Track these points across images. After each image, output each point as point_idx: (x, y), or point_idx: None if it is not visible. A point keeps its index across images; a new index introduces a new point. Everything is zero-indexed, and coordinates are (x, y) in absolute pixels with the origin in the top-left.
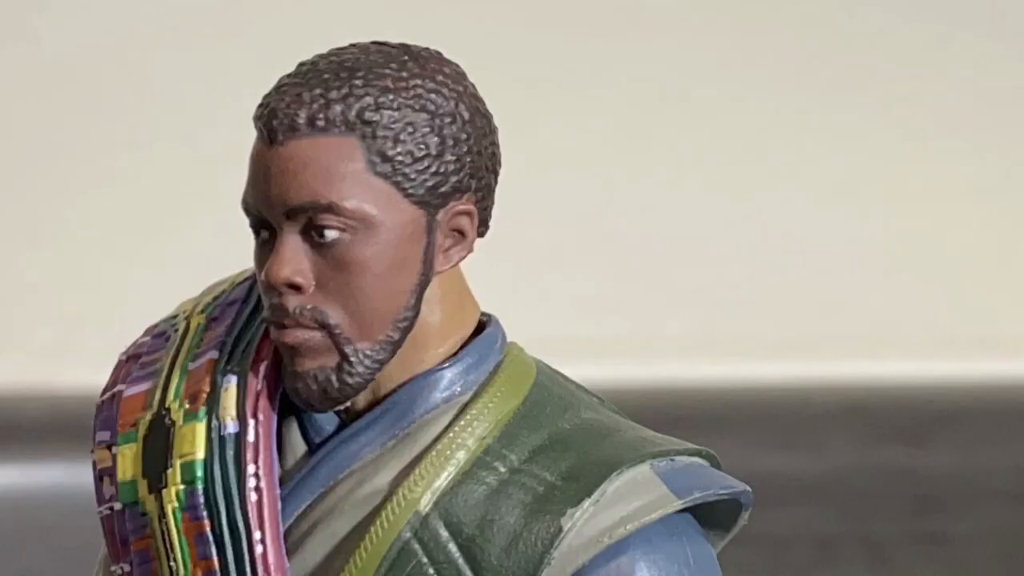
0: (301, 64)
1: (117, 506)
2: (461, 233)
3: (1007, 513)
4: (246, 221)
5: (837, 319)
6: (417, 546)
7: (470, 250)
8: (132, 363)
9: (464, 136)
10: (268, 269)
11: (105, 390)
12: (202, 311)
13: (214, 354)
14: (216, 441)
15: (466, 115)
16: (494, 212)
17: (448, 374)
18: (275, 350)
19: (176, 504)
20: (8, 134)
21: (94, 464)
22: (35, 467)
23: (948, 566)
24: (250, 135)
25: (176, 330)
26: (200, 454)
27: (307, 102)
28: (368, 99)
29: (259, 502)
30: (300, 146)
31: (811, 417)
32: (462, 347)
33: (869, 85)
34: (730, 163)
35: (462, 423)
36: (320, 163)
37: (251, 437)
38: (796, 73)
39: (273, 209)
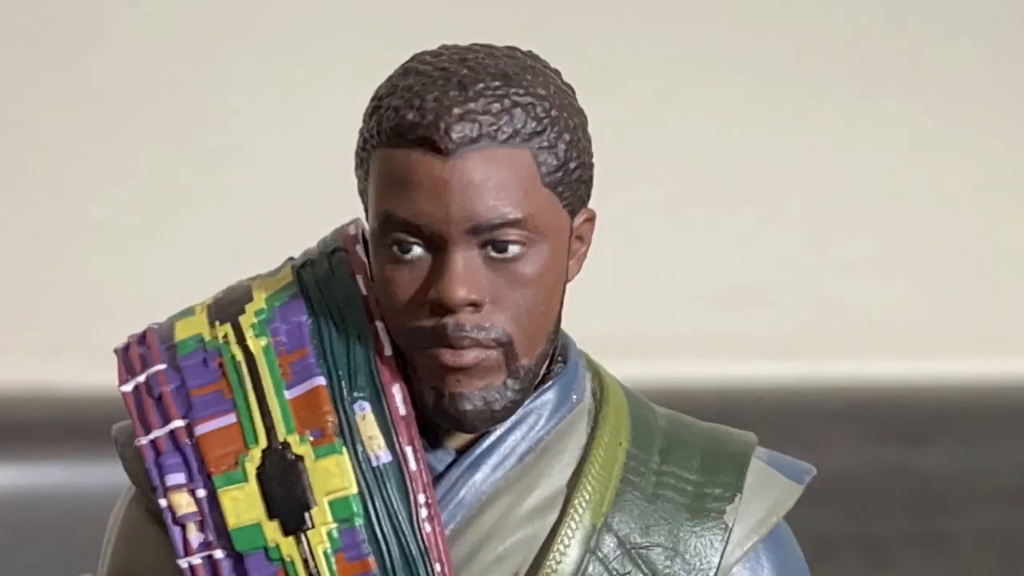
0: (420, 66)
1: (219, 554)
2: (581, 240)
3: (1007, 513)
4: (245, 221)
5: (837, 319)
6: (598, 561)
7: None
8: (173, 395)
9: (589, 141)
10: (443, 288)
11: (143, 427)
12: (257, 334)
13: (319, 380)
14: (369, 473)
15: (585, 120)
16: None
17: (567, 382)
18: (403, 372)
19: (328, 545)
20: (8, 134)
21: (165, 511)
22: (34, 467)
23: (948, 566)
24: (250, 135)
25: (225, 355)
26: (352, 488)
27: (479, 112)
28: (534, 109)
29: (432, 533)
30: (480, 158)
31: (810, 417)
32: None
33: (866, 84)
34: (730, 163)
35: (605, 434)
36: (502, 176)
37: (412, 466)
38: (795, 72)
39: (454, 225)
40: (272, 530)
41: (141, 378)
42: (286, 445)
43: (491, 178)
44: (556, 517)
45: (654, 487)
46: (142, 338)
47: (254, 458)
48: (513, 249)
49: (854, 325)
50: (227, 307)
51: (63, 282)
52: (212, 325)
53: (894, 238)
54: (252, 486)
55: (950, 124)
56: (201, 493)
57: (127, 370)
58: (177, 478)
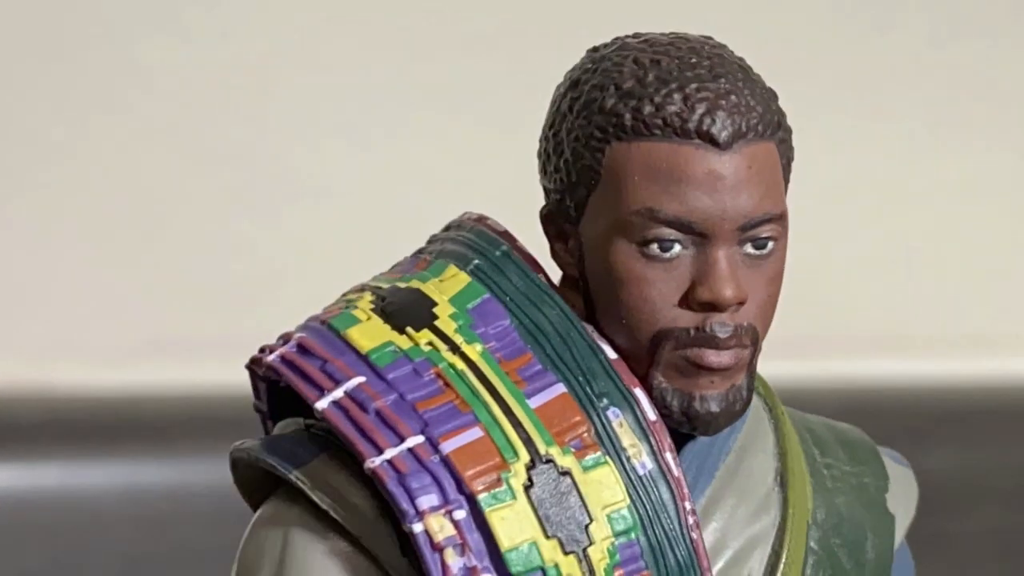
0: (650, 56)
1: None
2: None
3: (1007, 513)
4: (244, 221)
5: (838, 319)
6: (815, 558)
7: None
8: (395, 409)
9: None
10: (715, 287)
11: (371, 447)
12: (468, 341)
13: (559, 388)
14: (638, 483)
15: None
16: (492, 211)
17: None
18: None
19: (608, 560)
20: (6, 133)
21: (420, 536)
22: (32, 468)
23: (948, 566)
24: (249, 135)
25: (439, 364)
26: (626, 500)
27: (742, 105)
28: (774, 101)
29: (698, 540)
30: (748, 152)
31: None
32: None
33: (869, 83)
34: None
35: (788, 428)
36: (764, 170)
37: (676, 472)
38: (794, 72)
39: (727, 221)
40: (549, 549)
41: (338, 393)
42: (550, 458)
43: (758, 173)
44: (775, 517)
45: (829, 480)
46: (302, 349)
47: (518, 474)
48: (769, 245)
49: (855, 326)
50: (407, 312)
51: (62, 282)
52: (402, 332)
53: (894, 238)
54: (522, 504)
55: (950, 124)
56: (460, 515)
57: (311, 385)
58: (430, 500)
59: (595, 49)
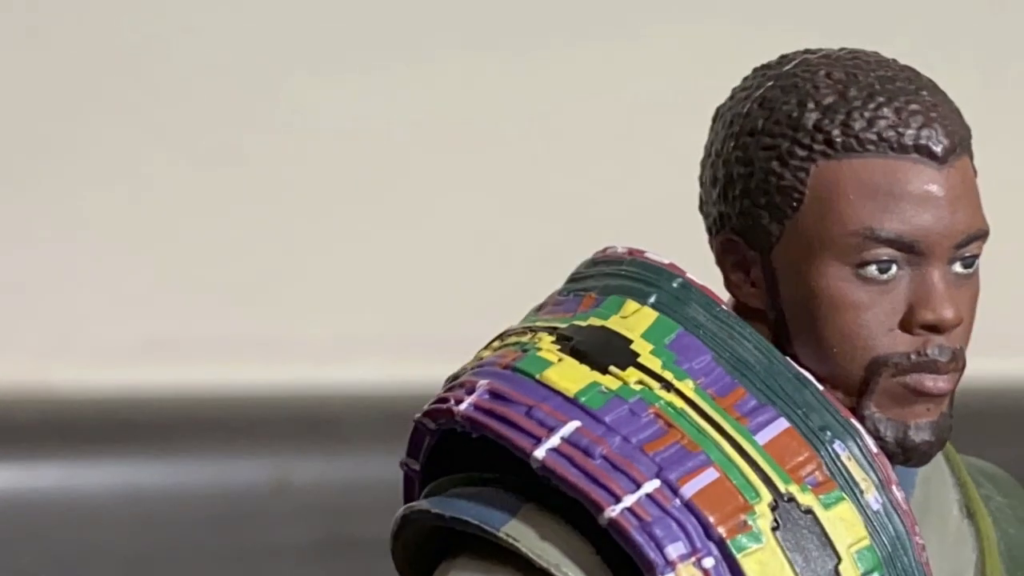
0: (845, 71)
1: None
2: None
3: None
4: (245, 221)
5: None
6: None
7: None
8: (622, 453)
9: None
10: (937, 308)
11: (607, 495)
12: (680, 377)
13: (783, 423)
14: (872, 518)
15: None
16: (492, 211)
17: None
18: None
19: None
20: (5, 132)
21: None
22: (32, 468)
23: None
24: (249, 135)
25: (655, 404)
26: (867, 537)
27: (948, 120)
28: (962, 116)
29: (930, 574)
30: (959, 167)
31: None
32: None
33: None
34: None
35: (959, 461)
36: (971, 185)
37: (904, 505)
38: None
39: (946, 238)
40: None
41: (555, 440)
42: (791, 496)
43: (970, 187)
44: (973, 549)
45: (995, 511)
46: (497, 396)
47: (763, 515)
48: (975, 264)
49: None
50: (604, 351)
51: (61, 282)
52: (604, 372)
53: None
54: (771, 546)
55: None
56: (709, 562)
57: (522, 434)
58: (678, 548)
59: (766, 67)
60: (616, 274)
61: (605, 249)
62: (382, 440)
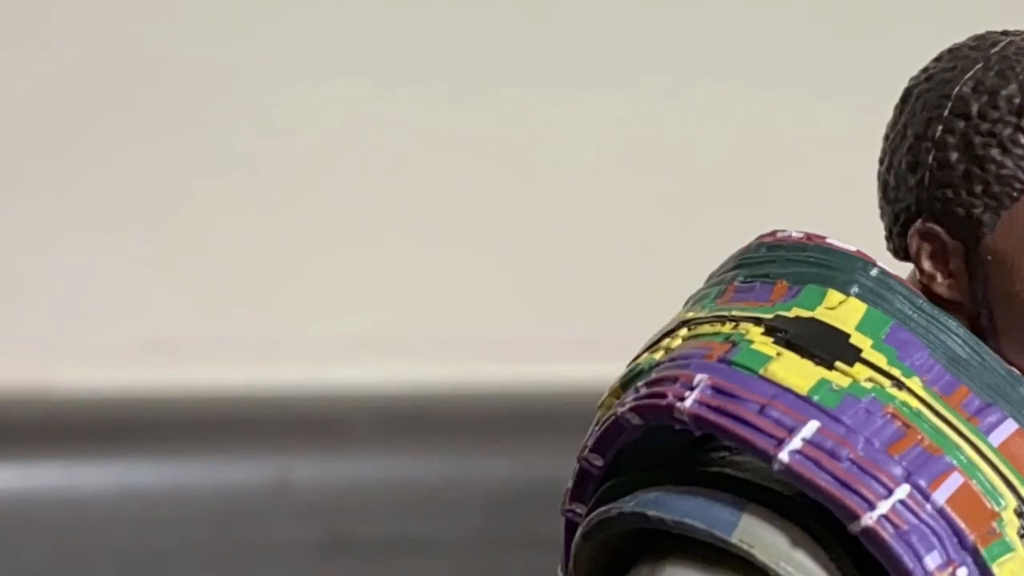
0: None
1: None
2: None
3: None
4: (245, 221)
5: None
6: None
7: None
8: (866, 455)
9: None
10: None
11: (862, 502)
12: (907, 375)
13: (1012, 424)
14: None
15: None
16: (491, 211)
17: None
18: None
19: None
20: (6, 132)
21: None
22: (32, 468)
23: None
24: (250, 136)
25: (890, 403)
26: None
27: None
28: None
29: None
30: None
31: None
32: None
33: (866, 82)
34: (731, 162)
35: None
36: None
37: None
38: (793, 72)
39: None
40: None
41: (796, 441)
42: None
43: None
44: None
45: None
46: (721, 392)
47: (1011, 521)
48: None
49: None
50: (823, 345)
51: (61, 282)
52: (830, 367)
53: None
54: (1020, 554)
55: None
56: (963, 572)
57: (761, 434)
58: (935, 558)
59: (967, 48)
60: (803, 260)
61: (774, 232)
62: (382, 440)
